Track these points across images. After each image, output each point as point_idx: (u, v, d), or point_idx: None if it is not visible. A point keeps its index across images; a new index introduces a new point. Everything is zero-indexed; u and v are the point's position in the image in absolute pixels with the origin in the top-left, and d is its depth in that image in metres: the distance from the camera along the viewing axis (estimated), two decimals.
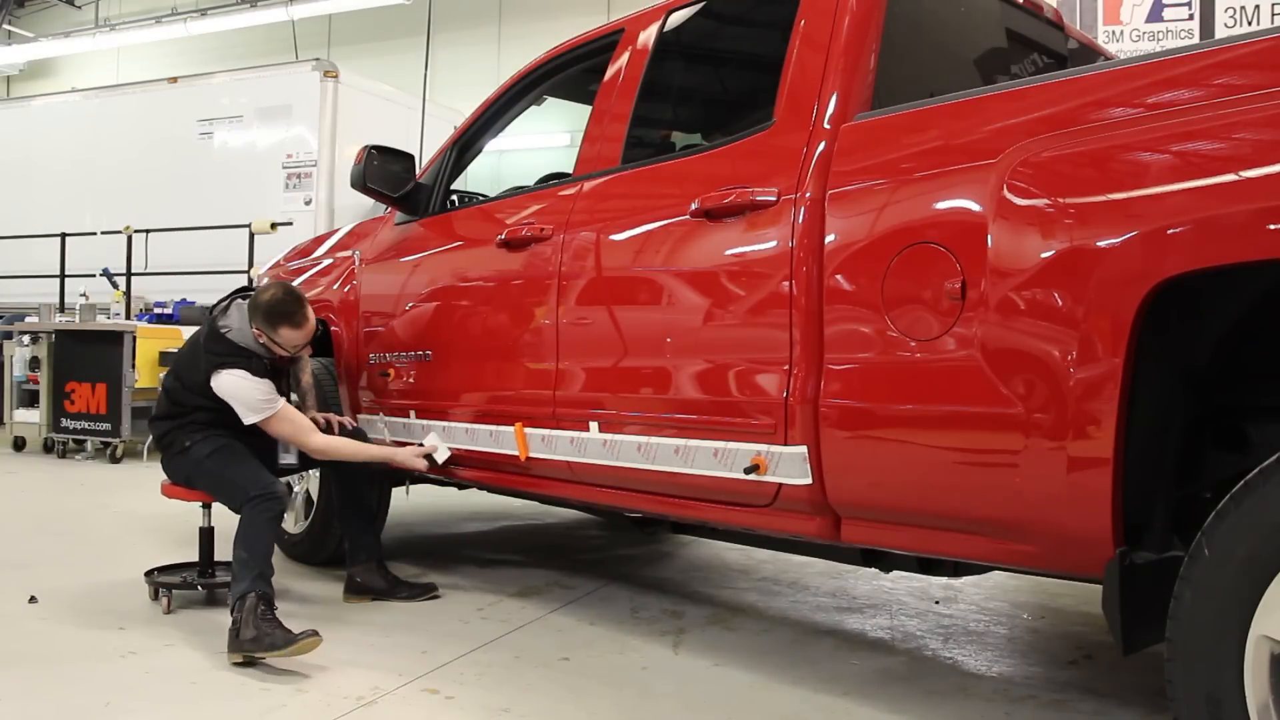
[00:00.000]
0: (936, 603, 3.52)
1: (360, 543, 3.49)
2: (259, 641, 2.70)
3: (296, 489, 4.01)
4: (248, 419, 3.16)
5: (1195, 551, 1.55)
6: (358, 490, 3.54)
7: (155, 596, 3.35)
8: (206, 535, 3.48)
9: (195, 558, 3.53)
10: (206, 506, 3.44)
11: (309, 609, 3.33)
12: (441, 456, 3.30)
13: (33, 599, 3.35)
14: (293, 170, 9.03)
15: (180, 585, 3.38)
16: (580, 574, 3.88)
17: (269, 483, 3.08)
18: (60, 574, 3.72)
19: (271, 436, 3.26)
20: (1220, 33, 7.04)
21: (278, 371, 3.30)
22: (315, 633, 2.70)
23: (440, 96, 10.96)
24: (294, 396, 3.66)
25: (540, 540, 4.71)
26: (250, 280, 7.27)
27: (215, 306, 3.35)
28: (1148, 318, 1.64)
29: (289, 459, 3.41)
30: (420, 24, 9.90)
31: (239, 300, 3.30)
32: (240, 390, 3.14)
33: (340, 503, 3.57)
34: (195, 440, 3.22)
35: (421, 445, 3.34)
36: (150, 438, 3.75)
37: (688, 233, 2.54)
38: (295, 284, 4.17)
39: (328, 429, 3.44)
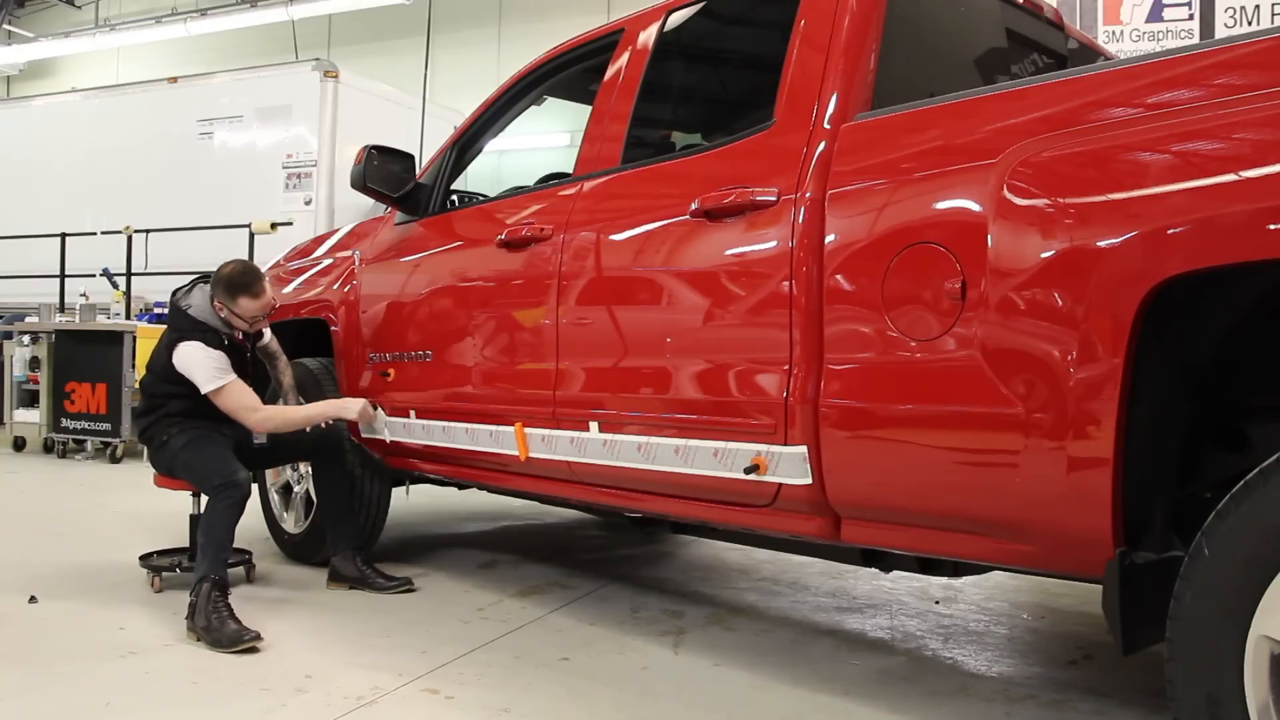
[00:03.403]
0: (936, 603, 3.53)
1: (340, 533, 3.67)
2: (209, 632, 2.89)
3: (296, 490, 4.03)
4: (204, 387, 3.32)
5: (1195, 551, 1.55)
6: (338, 483, 3.69)
7: (157, 583, 3.53)
8: (196, 522, 3.58)
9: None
10: (196, 495, 3.58)
11: (310, 609, 3.34)
12: (384, 435, 3.54)
13: (33, 599, 3.35)
14: (293, 170, 9.03)
15: (168, 568, 3.56)
16: (580, 574, 3.88)
17: (231, 472, 3.22)
18: (60, 574, 3.72)
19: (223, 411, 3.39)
20: (1220, 33, 7.05)
21: (237, 350, 3.46)
22: (258, 636, 2.88)
23: (440, 96, 10.96)
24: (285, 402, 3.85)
25: (540, 540, 4.71)
26: None
27: (179, 289, 3.54)
28: (1148, 318, 1.64)
29: (260, 439, 3.61)
30: (420, 24, 9.90)
31: (201, 284, 3.48)
32: (195, 359, 3.32)
33: (321, 494, 3.75)
34: (172, 434, 3.40)
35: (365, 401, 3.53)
36: None
37: (688, 233, 2.54)
38: (296, 284, 4.20)
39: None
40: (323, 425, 3.64)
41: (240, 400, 3.36)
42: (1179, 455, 1.81)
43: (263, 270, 3.48)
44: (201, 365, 3.31)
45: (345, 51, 13.97)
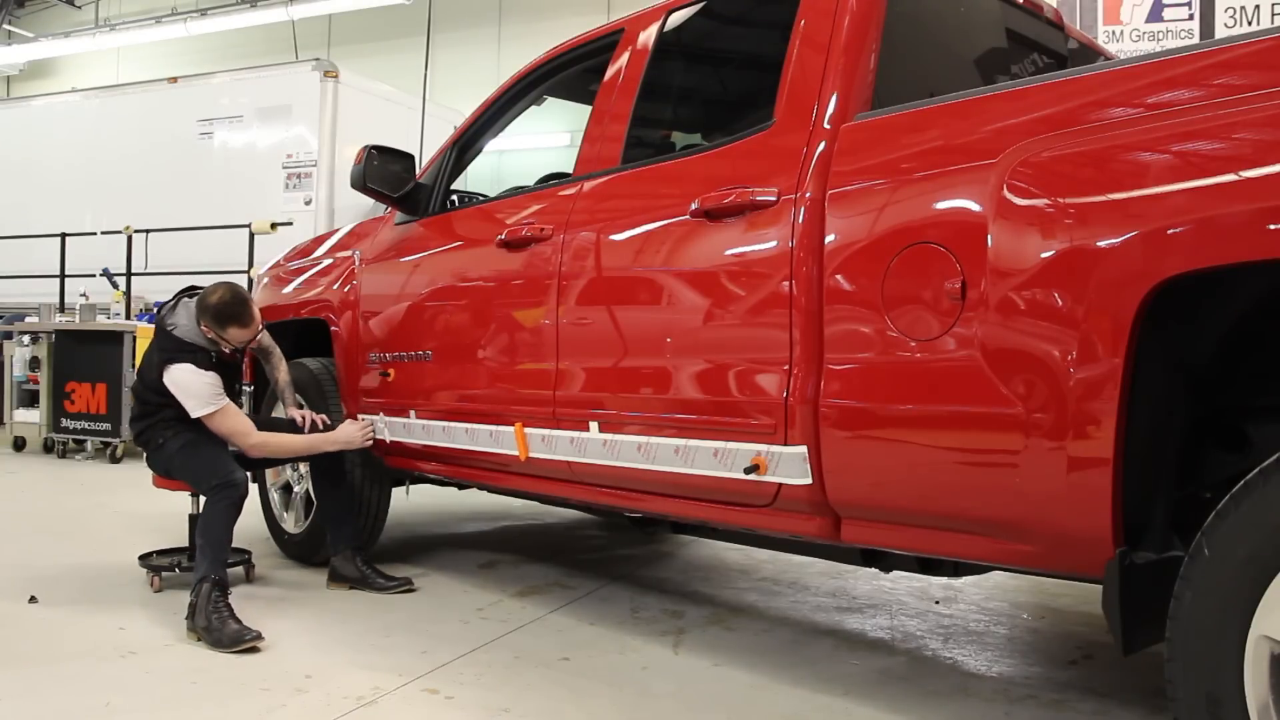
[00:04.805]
0: (936, 603, 3.53)
1: (340, 533, 3.67)
2: (210, 632, 2.90)
3: (296, 490, 4.03)
4: (195, 412, 3.30)
5: (1195, 551, 1.55)
6: (336, 483, 3.68)
7: (156, 582, 3.54)
8: (195, 522, 3.57)
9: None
10: (195, 495, 3.58)
11: (310, 609, 3.34)
12: (383, 435, 3.60)
13: (33, 599, 3.35)
14: (293, 170, 9.04)
15: (168, 568, 3.57)
16: (580, 574, 3.88)
17: (228, 472, 3.23)
18: (60, 574, 3.72)
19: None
20: (1220, 33, 7.05)
21: (226, 366, 3.46)
22: (259, 635, 2.89)
23: (440, 96, 10.97)
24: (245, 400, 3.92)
25: (540, 540, 4.71)
26: (250, 281, 7.30)
27: (163, 306, 3.53)
28: (1148, 318, 1.64)
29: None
30: (420, 24, 9.91)
31: (185, 299, 3.46)
32: (188, 383, 3.30)
33: (320, 495, 3.74)
34: (167, 437, 3.39)
35: (356, 420, 3.67)
36: None
37: (688, 233, 2.54)
38: (296, 284, 4.20)
39: (302, 424, 3.63)
40: (320, 426, 3.63)
41: (234, 425, 3.34)
42: (1179, 455, 1.81)
43: (249, 295, 3.44)
44: (194, 390, 3.28)
45: (345, 51, 13.98)
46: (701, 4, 2.95)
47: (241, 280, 7.04)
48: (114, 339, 7.00)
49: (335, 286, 3.95)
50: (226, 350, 3.43)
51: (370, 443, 3.61)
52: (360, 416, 3.71)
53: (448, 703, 2.49)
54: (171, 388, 3.29)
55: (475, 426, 3.17)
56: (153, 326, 7.27)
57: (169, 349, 3.34)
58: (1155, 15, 7.37)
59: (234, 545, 3.33)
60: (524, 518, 5.19)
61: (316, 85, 9.00)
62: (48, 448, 7.52)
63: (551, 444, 2.87)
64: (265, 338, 3.71)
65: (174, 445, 3.37)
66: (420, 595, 3.53)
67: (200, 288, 3.47)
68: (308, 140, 9.04)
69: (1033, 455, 1.78)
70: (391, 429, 3.56)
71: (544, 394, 2.90)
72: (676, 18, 2.96)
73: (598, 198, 2.90)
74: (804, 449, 2.19)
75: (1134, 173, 1.68)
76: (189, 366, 3.29)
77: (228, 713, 2.42)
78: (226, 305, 3.32)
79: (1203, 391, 1.81)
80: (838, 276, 2.15)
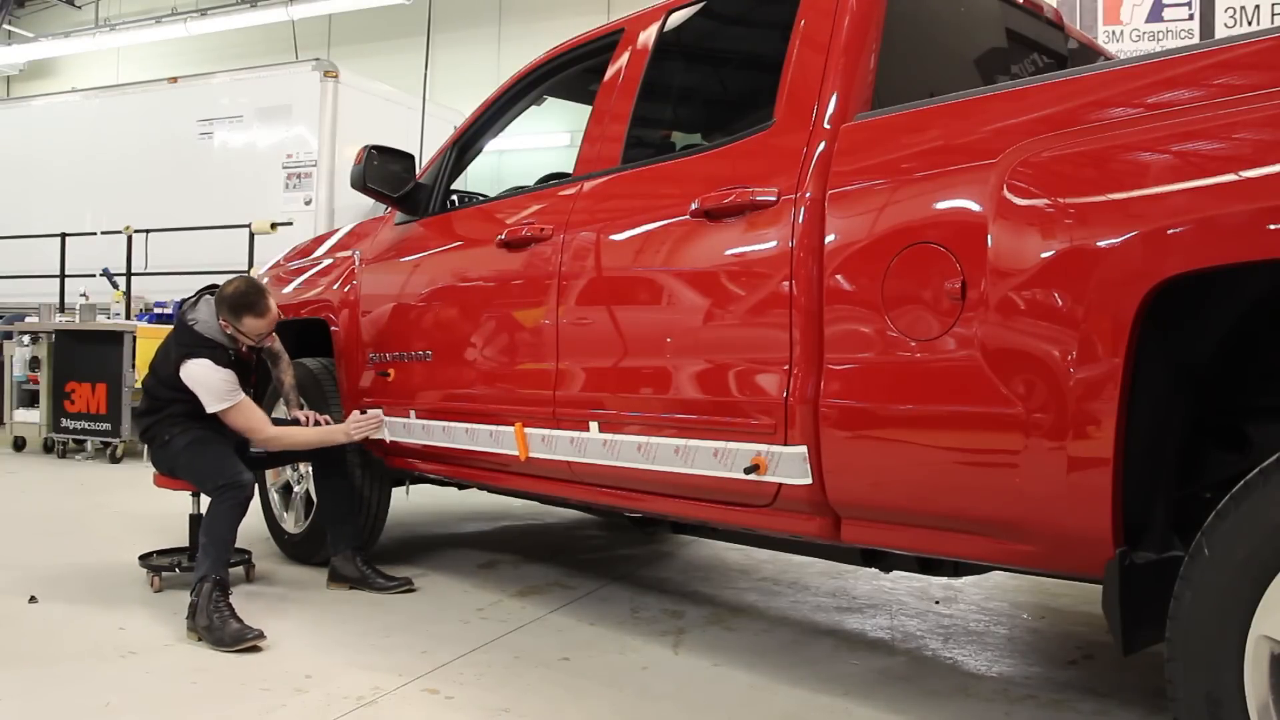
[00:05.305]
0: (936, 603, 3.53)
1: (340, 533, 3.68)
2: (210, 632, 2.90)
3: (296, 490, 4.03)
4: (211, 407, 3.32)
5: (1195, 551, 1.55)
6: (337, 483, 3.70)
7: (156, 582, 3.54)
8: (196, 522, 3.60)
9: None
10: (195, 495, 3.60)
11: (310, 608, 3.34)
12: (383, 435, 3.56)
13: (33, 599, 3.35)
14: (293, 170, 9.04)
15: (168, 568, 3.57)
16: (580, 574, 3.88)
17: (235, 472, 3.24)
18: (60, 574, 3.72)
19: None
20: (1220, 33, 7.05)
21: (243, 364, 3.48)
22: (261, 634, 2.89)
23: (440, 96, 10.97)
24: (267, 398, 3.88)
25: (540, 540, 4.71)
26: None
27: (185, 302, 3.56)
28: (1148, 317, 1.64)
29: (259, 448, 3.59)
30: (420, 24, 9.92)
31: (206, 296, 3.50)
32: (205, 378, 3.32)
33: (321, 494, 3.76)
34: (174, 434, 3.40)
35: (363, 414, 3.58)
36: None
37: (688, 233, 2.54)
38: (296, 284, 4.20)
39: (305, 425, 3.63)
40: (321, 424, 3.63)
41: (249, 420, 3.37)
42: (1179, 455, 1.81)
43: (266, 287, 3.48)
44: (210, 385, 3.31)
45: (345, 51, 13.98)
46: (701, 4, 2.95)
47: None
48: (114, 339, 7.00)
49: (335, 286, 3.95)
50: (244, 348, 3.45)
51: (375, 429, 3.55)
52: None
53: (448, 703, 2.49)
54: (188, 382, 3.31)
55: (475, 426, 3.17)
56: (153, 326, 7.31)
57: (187, 344, 3.37)
58: (1155, 15, 7.37)
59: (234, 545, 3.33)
60: (524, 518, 5.19)
61: (316, 85, 9.00)
62: (48, 448, 7.52)
63: (551, 444, 2.87)
64: (275, 343, 3.73)
65: (180, 442, 3.38)
66: (420, 595, 3.53)
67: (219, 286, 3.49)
68: (308, 140, 9.04)
69: (1033, 455, 1.78)
70: (391, 429, 3.56)
71: (544, 394, 2.90)
72: (676, 18, 2.96)
73: (598, 198, 2.90)
74: (804, 449, 2.19)
75: (1134, 173, 1.68)
76: (207, 362, 3.31)
77: (228, 713, 2.42)
78: (242, 295, 3.35)
79: (1203, 391, 1.81)
80: (838, 276, 2.15)
